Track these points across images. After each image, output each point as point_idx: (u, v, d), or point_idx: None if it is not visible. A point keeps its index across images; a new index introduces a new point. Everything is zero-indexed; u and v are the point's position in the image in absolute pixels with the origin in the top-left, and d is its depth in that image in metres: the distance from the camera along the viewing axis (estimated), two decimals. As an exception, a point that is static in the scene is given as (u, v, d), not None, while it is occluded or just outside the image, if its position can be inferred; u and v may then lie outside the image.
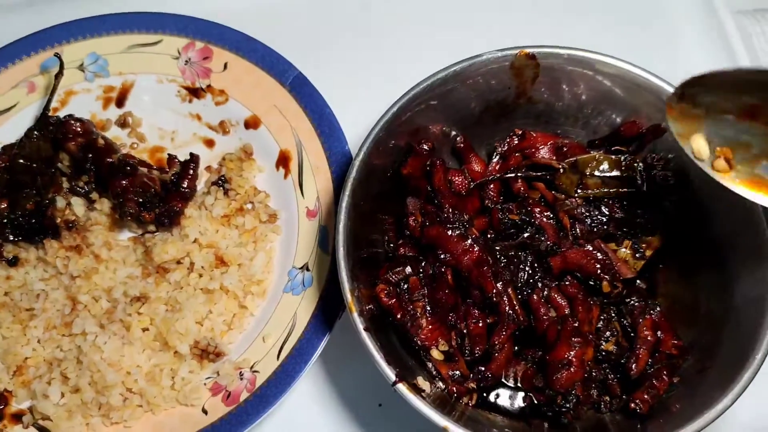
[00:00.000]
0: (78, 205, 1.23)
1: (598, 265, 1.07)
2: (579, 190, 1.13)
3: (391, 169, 1.09)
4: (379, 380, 1.16)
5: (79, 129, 1.23)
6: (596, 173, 1.13)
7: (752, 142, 0.86)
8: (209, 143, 1.32)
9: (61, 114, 1.26)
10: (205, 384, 1.13)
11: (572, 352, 1.00)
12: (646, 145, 1.13)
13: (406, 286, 1.02)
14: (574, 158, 1.13)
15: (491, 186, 1.15)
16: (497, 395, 1.09)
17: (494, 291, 1.01)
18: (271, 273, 1.22)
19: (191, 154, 1.24)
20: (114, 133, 1.32)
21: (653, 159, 1.11)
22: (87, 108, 1.31)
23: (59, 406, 1.09)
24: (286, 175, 1.25)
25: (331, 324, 1.11)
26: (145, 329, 1.13)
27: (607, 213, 1.13)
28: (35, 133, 1.23)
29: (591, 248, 1.07)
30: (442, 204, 1.08)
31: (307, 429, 1.18)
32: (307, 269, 1.18)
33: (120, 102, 1.33)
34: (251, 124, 1.29)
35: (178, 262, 1.18)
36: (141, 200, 1.19)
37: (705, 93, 0.86)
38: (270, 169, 1.27)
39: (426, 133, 1.11)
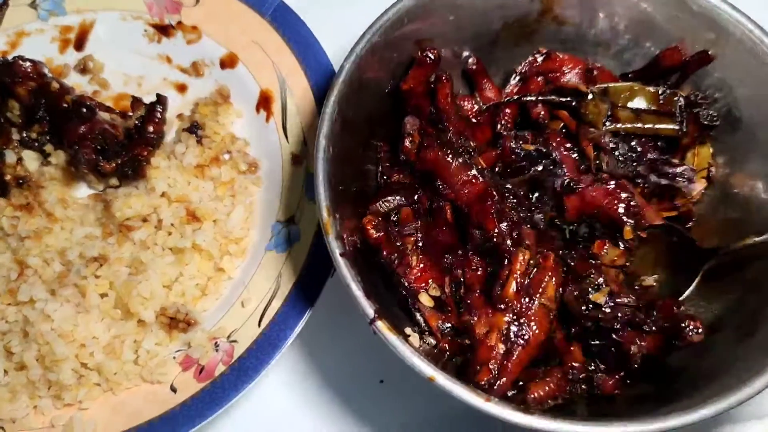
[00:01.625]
0: (30, 159, 1.08)
1: (622, 207, 0.89)
2: (608, 123, 0.96)
3: (390, 86, 0.93)
4: (382, 349, 1.00)
5: (29, 71, 1.08)
6: (629, 105, 0.97)
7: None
8: (181, 88, 1.16)
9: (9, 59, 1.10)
10: (174, 357, 0.97)
11: None
12: (688, 77, 0.97)
13: (397, 218, 0.87)
14: (606, 85, 0.97)
15: (506, 111, 0.99)
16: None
17: (496, 231, 0.84)
18: (251, 229, 1.05)
19: (158, 95, 1.08)
20: (73, 80, 1.16)
21: (697, 97, 0.95)
22: (41, 51, 1.15)
23: (1, 386, 0.93)
24: (267, 118, 1.09)
25: (320, 285, 0.95)
26: (103, 295, 0.97)
27: (638, 150, 0.96)
28: (-21, 76, 1.07)
29: (614, 186, 0.90)
30: (446, 127, 0.92)
31: (292, 413, 1.01)
32: (293, 222, 1.01)
33: (79, 44, 1.17)
34: (227, 63, 1.13)
35: (144, 220, 1.02)
36: (100, 148, 1.03)
37: None
38: (249, 113, 1.11)
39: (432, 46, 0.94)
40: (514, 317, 0.81)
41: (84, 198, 1.08)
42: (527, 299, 0.82)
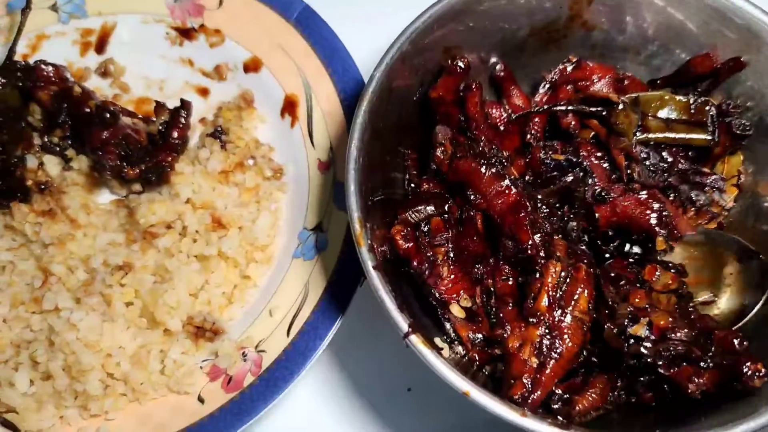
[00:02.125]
0: (52, 164, 1.06)
1: (654, 218, 0.87)
2: (638, 133, 0.95)
3: (418, 93, 0.92)
4: (409, 359, 0.99)
5: (51, 75, 1.06)
6: (660, 115, 0.95)
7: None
8: (203, 92, 1.14)
9: (32, 61, 1.08)
10: (201, 367, 0.96)
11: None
12: (719, 84, 0.96)
13: (427, 227, 0.86)
14: (636, 95, 0.95)
15: (536, 120, 0.97)
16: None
17: (530, 243, 0.83)
18: (277, 236, 1.04)
19: (182, 100, 1.06)
20: (94, 84, 1.15)
21: (728, 106, 0.94)
22: (62, 55, 1.14)
23: (27, 396, 0.92)
24: (293, 124, 1.07)
25: (351, 293, 0.93)
26: (128, 303, 0.96)
27: (669, 160, 0.95)
28: (0, 80, 1.05)
29: (646, 196, 0.88)
30: (476, 135, 0.91)
31: (321, 421, 1.00)
32: (321, 230, 1.00)
33: (100, 47, 1.16)
34: (251, 67, 1.11)
35: (169, 227, 1.01)
36: (123, 153, 1.01)
37: None
38: (274, 118, 1.10)
39: (461, 54, 0.93)
40: (547, 330, 0.80)
41: (106, 204, 1.07)
42: (560, 312, 0.80)
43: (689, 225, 0.91)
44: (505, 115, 0.96)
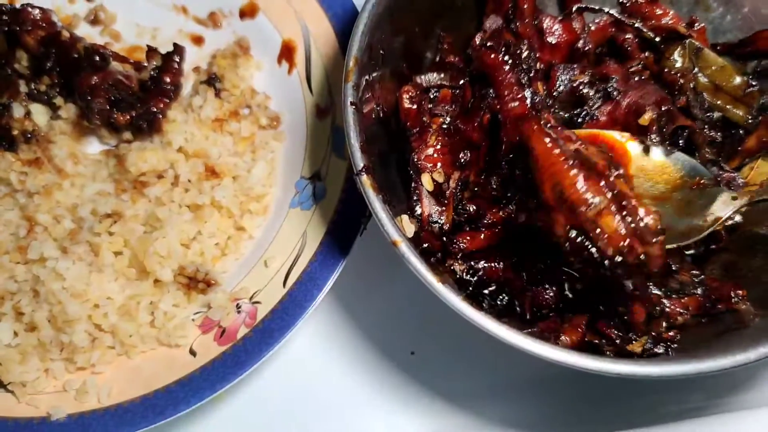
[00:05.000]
0: (39, 113, 1.02)
1: (652, 106, 0.83)
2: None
3: None
4: (414, 321, 0.96)
5: (38, 18, 1.02)
6: (713, 79, 0.90)
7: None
8: (197, 40, 1.09)
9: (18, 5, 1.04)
10: (193, 320, 0.92)
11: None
12: None
13: (435, 95, 0.85)
14: (702, 47, 0.91)
15: (593, 30, 0.92)
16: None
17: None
18: (273, 186, 0.99)
19: (175, 45, 1.02)
20: (83, 32, 1.10)
21: None
22: (50, 0, 1.08)
23: (11, 347, 0.88)
24: (290, 70, 1.03)
25: (350, 242, 0.89)
26: (117, 253, 0.92)
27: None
28: (-15, 24, 1.01)
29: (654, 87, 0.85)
30: (520, 31, 0.87)
31: (317, 379, 0.96)
32: (319, 179, 0.95)
33: (89, -7, 1.11)
34: (247, 12, 1.06)
35: (160, 176, 0.96)
36: (113, 98, 0.97)
37: None
38: (270, 65, 1.05)
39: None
40: None
41: (95, 154, 1.02)
42: None
43: (686, 120, 0.85)
44: (557, 27, 0.90)
